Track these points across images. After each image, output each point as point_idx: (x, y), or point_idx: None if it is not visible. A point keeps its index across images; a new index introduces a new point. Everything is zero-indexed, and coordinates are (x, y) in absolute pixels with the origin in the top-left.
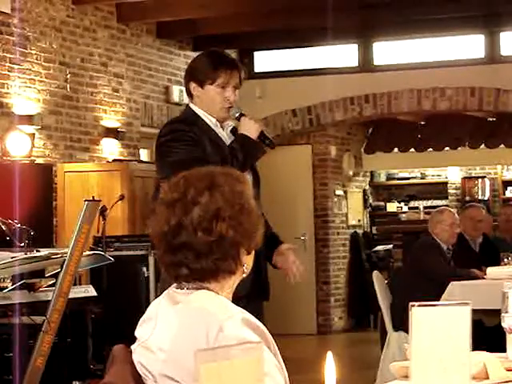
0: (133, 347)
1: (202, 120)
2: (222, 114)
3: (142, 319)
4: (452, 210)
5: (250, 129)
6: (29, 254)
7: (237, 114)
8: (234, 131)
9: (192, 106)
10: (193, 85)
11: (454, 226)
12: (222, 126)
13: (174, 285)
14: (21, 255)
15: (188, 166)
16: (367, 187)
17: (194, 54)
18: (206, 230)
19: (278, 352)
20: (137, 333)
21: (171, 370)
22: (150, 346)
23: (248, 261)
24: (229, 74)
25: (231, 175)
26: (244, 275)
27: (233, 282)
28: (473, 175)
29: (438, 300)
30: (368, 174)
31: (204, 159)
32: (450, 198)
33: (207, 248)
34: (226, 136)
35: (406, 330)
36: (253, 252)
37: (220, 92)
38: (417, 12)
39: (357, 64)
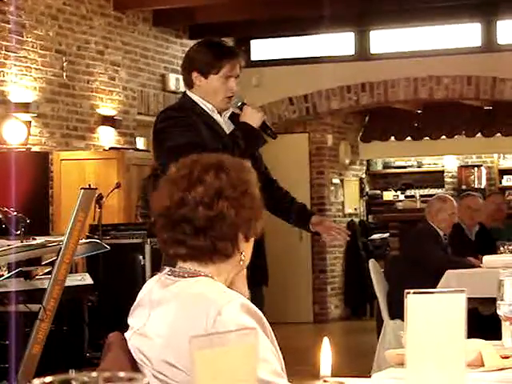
0: (127, 335)
1: (199, 107)
2: (224, 105)
3: (133, 307)
4: (452, 198)
5: (253, 118)
6: (25, 242)
7: (239, 104)
8: (232, 117)
9: (189, 93)
10: (195, 74)
11: (453, 215)
12: (219, 112)
13: (166, 270)
14: (17, 243)
15: (186, 150)
16: (364, 176)
17: (191, 42)
18: (207, 205)
19: (275, 340)
20: (130, 321)
21: (169, 355)
22: (147, 333)
23: (246, 250)
24: (232, 63)
25: (239, 163)
26: (241, 263)
27: (230, 270)
28: (469, 164)
29: (434, 288)
30: (364, 162)
31: (202, 144)
32: (446, 186)
33: (206, 223)
34: (223, 122)
35: (402, 319)
36: (251, 241)
37: (224, 82)
38: (414, 0)
39: (353, 52)
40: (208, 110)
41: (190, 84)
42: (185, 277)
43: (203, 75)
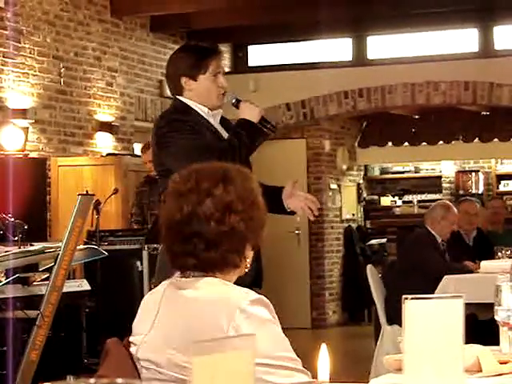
0: (132, 340)
1: (195, 110)
2: (218, 102)
3: (139, 312)
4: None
5: (252, 113)
6: (23, 248)
7: (233, 100)
8: (222, 121)
9: (181, 98)
10: (184, 79)
11: (454, 224)
12: (212, 115)
13: (178, 273)
14: (15, 249)
15: (192, 154)
16: (361, 181)
17: None
18: (219, 221)
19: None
20: (135, 325)
21: (185, 357)
22: (155, 336)
23: (250, 256)
24: (217, 60)
25: (242, 171)
26: (246, 270)
27: (234, 276)
28: (467, 169)
29: (432, 293)
30: (362, 167)
31: (207, 147)
32: (443, 191)
33: (218, 238)
34: (217, 126)
35: (400, 324)
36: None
37: (213, 80)
38: (411, 6)
39: (351, 58)
40: (204, 114)
41: (179, 91)
42: (196, 276)
43: (192, 78)
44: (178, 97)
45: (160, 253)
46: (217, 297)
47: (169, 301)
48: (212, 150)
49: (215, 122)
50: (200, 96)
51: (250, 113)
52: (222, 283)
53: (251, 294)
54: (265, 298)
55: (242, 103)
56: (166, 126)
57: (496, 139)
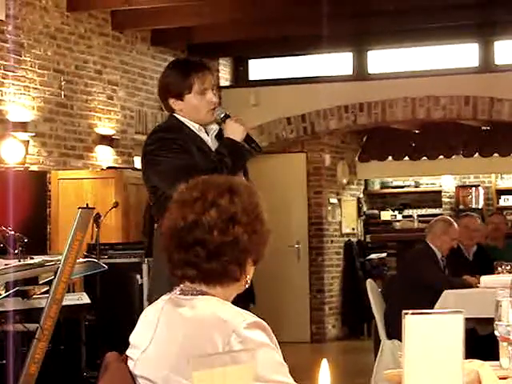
0: (129, 354)
1: (187, 127)
2: (209, 118)
3: (138, 325)
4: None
5: (236, 132)
6: (22, 262)
7: (222, 115)
8: (219, 135)
9: (175, 114)
10: (171, 100)
11: (455, 240)
12: (206, 131)
13: (178, 290)
14: (14, 262)
15: (178, 174)
16: (361, 195)
17: None
18: (222, 231)
19: (281, 354)
20: (132, 338)
21: (179, 377)
22: (152, 353)
23: (250, 273)
24: (201, 77)
25: (248, 186)
26: (247, 286)
27: (234, 292)
28: (467, 184)
29: (432, 308)
30: (362, 182)
31: (194, 166)
32: (443, 206)
33: (220, 248)
34: (210, 141)
35: (400, 339)
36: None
37: (201, 98)
38: (411, 20)
39: (351, 72)
40: (196, 130)
41: (171, 110)
42: (194, 294)
43: (178, 98)
44: (173, 114)
45: (152, 264)
46: (213, 318)
47: (167, 318)
48: (198, 170)
49: (210, 137)
50: (189, 114)
51: (233, 131)
52: (219, 303)
53: (248, 317)
54: (262, 322)
55: (228, 120)
56: (154, 144)
57: (496, 154)
